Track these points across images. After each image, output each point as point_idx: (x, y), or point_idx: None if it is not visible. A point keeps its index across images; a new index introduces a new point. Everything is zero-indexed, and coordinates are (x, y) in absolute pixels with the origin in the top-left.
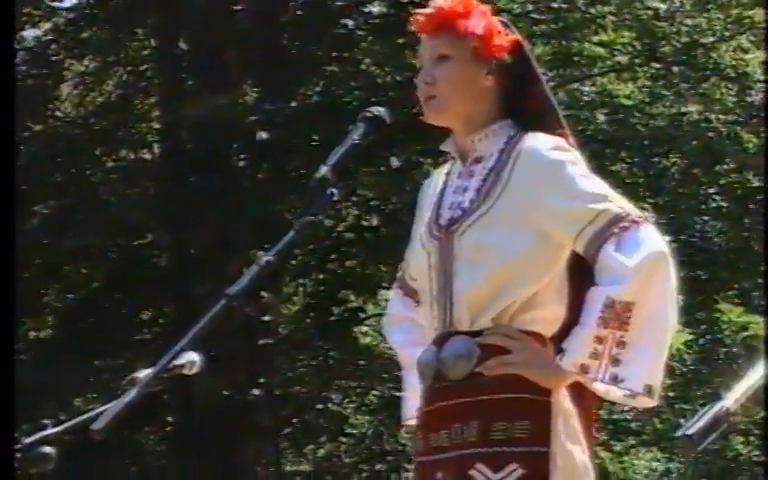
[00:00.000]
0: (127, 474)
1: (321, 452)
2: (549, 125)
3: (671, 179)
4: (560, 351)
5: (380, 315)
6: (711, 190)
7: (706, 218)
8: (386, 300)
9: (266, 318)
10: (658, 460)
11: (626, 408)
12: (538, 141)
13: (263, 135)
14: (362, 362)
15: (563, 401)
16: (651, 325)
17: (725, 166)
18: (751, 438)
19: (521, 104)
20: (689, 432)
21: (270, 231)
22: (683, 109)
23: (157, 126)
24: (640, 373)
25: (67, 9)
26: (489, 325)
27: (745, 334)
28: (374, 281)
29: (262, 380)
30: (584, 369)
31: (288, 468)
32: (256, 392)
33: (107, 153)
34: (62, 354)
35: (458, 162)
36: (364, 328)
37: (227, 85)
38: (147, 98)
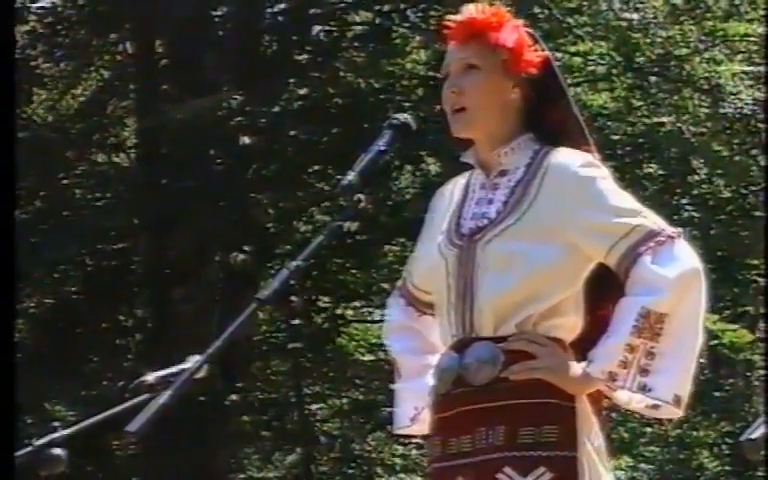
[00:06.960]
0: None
1: (290, 459)
2: (574, 140)
3: (645, 189)
4: (583, 359)
5: (357, 321)
6: (684, 201)
7: (680, 229)
8: (364, 307)
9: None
10: (623, 469)
11: None
12: (568, 157)
13: (245, 140)
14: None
15: (587, 410)
16: (682, 337)
17: (696, 176)
18: (715, 450)
19: (544, 118)
20: (753, 436)
21: (248, 235)
22: (658, 119)
23: (132, 130)
24: (669, 383)
25: (42, 13)
26: (513, 331)
27: (715, 342)
28: (351, 288)
29: (240, 385)
30: (612, 377)
31: (256, 475)
32: (233, 397)
33: (81, 158)
34: (36, 361)
35: (478, 173)
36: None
37: (205, 90)
38: (122, 102)
